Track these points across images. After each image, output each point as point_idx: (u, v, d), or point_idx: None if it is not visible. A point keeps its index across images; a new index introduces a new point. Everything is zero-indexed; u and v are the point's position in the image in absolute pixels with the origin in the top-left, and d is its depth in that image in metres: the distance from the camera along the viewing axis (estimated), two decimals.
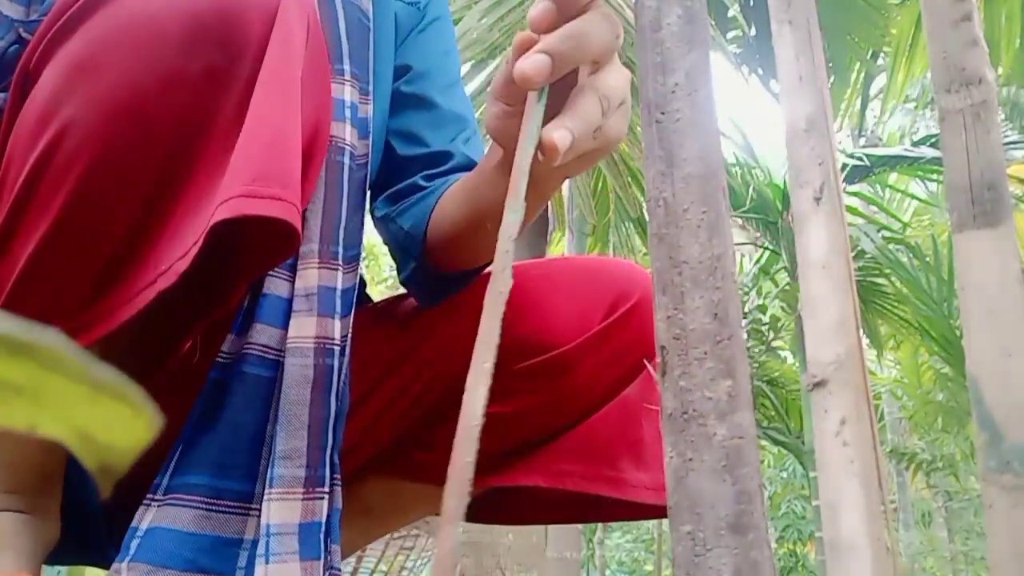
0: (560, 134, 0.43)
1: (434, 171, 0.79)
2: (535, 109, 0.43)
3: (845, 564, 0.26)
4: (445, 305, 0.78)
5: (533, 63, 0.44)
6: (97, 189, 0.50)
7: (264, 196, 0.47)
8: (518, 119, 0.51)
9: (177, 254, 0.49)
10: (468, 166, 0.79)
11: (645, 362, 0.75)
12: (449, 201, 0.73)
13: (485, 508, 0.85)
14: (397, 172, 0.81)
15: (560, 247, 4.64)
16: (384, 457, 0.77)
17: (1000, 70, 4.11)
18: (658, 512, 0.78)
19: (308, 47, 0.54)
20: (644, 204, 3.38)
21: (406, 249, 0.78)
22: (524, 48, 0.46)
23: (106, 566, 0.76)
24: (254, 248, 0.55)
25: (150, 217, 0.51)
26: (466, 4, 2.93)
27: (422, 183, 0.79)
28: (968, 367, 0.28)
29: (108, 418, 0.13)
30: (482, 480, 0.79)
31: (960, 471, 6.18)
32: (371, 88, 0.74)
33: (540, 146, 0.42)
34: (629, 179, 3.29)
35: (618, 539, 9.52)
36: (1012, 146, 4.61)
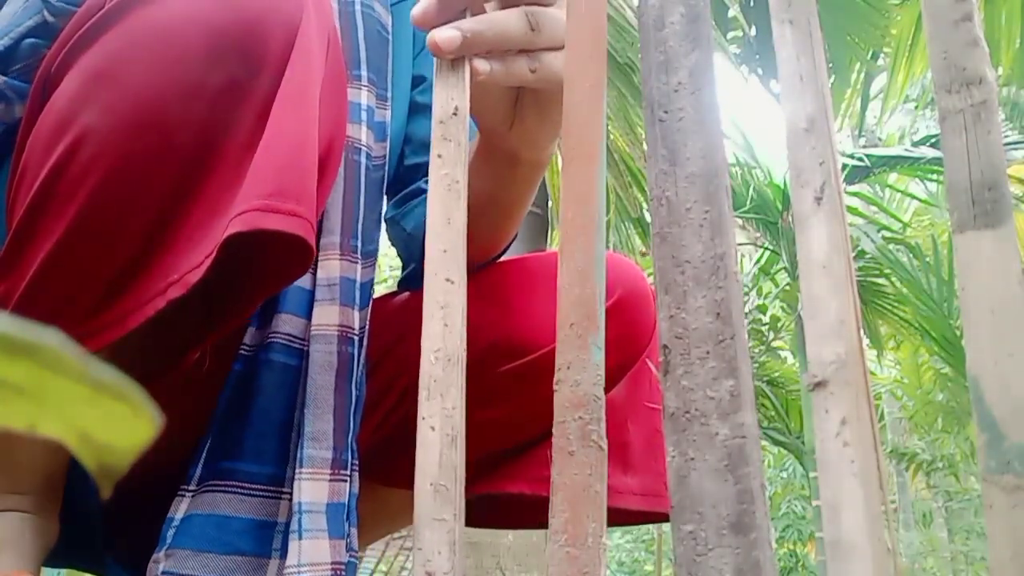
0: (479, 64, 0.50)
1: None
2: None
3: (845, 564, 0.26)
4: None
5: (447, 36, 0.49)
6: (112, 197, 0.50)
7: (280, 211, 0.47)
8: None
9: (190, 264, 0.49)
10: None
11: (648, 361, 0.74)
12: None
13: (474, 513, 0.85)
14: (405, 179, 0.84)
15: None
16: (369, 461, 0.76)
17: (1000, 70, 4.11)
18: (648, 518, 0.77)
19: (328, 61, 0.55)
20: (644, 204, 3.38)
21: (409, 251, 0.80)
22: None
23: (99, 572, 0.76)
24: (269, 263, 0.55)
25: (163, 226, 0.51)
26: None
27: (425, 187, 0.80)
28: (968, 367, 0.28)
29: (108, 418, 0.13)
30: (469, 488, 0.79)
31: (960, 471, 6.19)
32: (389, 95, 0.77)
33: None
34: (629, 179, 3.29)
35: (618, 539, 9.52)
36: (1012, 146, 4.61)
